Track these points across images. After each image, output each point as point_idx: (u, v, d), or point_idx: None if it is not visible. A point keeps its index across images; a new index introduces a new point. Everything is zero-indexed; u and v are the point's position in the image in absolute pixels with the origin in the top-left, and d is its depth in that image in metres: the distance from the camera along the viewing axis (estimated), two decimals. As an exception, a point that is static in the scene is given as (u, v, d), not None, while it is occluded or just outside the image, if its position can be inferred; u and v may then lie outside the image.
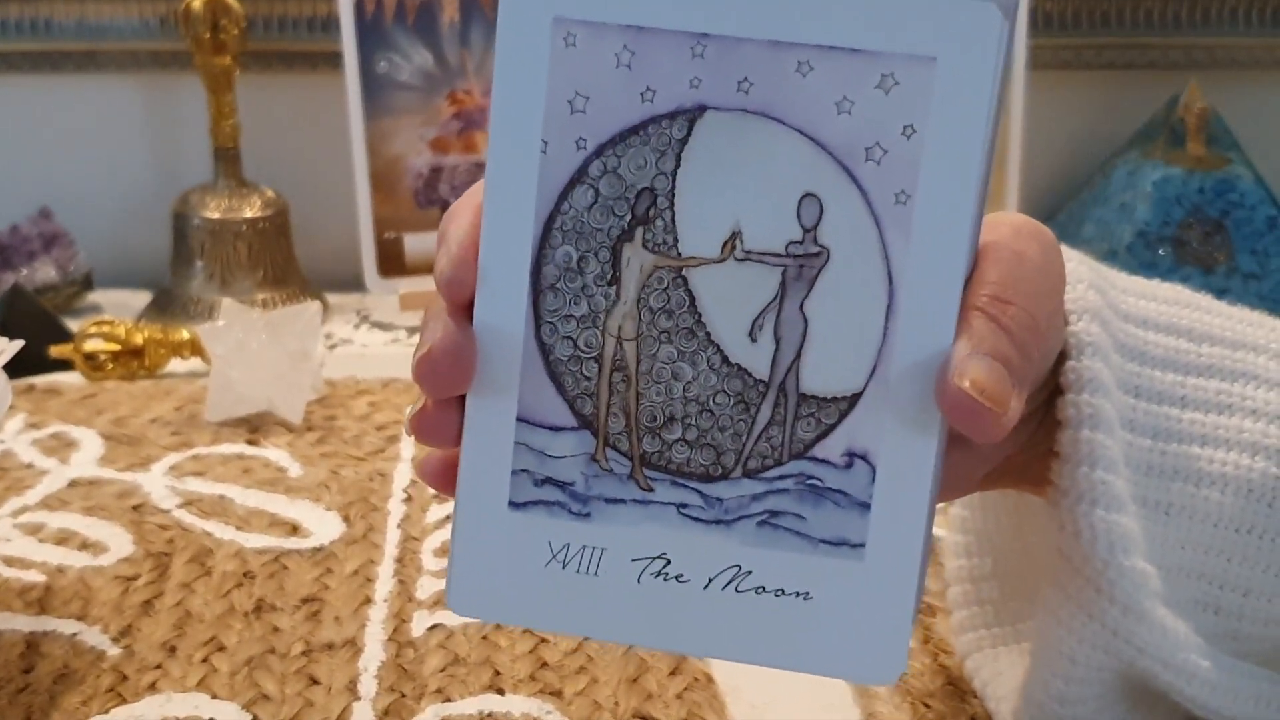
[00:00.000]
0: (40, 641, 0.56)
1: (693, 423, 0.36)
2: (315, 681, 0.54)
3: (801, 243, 0.35)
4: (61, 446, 0.75)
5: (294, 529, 0.66)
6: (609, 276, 0.35)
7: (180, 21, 0.98)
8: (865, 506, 0.35)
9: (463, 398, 0.37)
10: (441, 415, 0.37)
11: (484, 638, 0.57)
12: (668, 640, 0.37)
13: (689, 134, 0.34)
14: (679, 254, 0.35)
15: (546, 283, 0.35)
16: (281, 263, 1.03)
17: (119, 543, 0.65)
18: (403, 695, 0.53)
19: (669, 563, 0.36)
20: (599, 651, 0.56)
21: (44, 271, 1.03)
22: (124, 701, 0.53)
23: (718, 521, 0.36)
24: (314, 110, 1.09)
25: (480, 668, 0.55)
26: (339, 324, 1.03)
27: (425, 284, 0.87)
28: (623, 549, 0.36)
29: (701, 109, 0.34)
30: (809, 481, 0.35)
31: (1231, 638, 0.43)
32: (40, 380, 0.85)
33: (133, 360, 0.88)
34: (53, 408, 0.81)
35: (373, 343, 1.00)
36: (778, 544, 0.35)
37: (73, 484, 0.71)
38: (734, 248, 0.35)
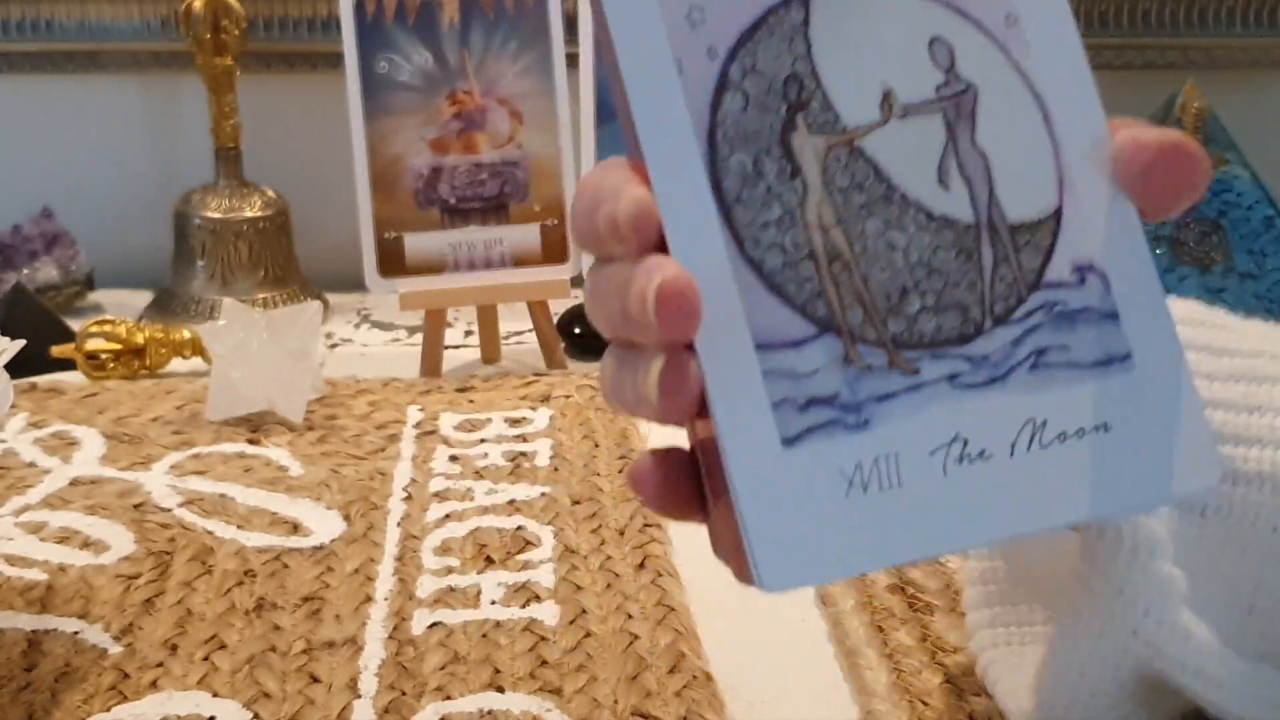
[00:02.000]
0: (42, 640, 0.56)
1: (926, 288, 0.35)
2: (316, 679, 0.54)
3: (947, 83, 0.35)
4: (63, 446, 0.75)
5: (295, 528, 0.66)
6: (789, 170, 0.34)
7: (181, 22, 0.98)
8: (1113, 315, 0.35)
9: (691, 350, 0.33)
10: (678, 372, 0.33)
11: (484, 636, 0.57)
12: (999, 528, 0.35)
13: (807, 14, 0.35)
14: (845, 128, 0.35)
15: (731, 197, 0.34)
16: (282, 262, 1.03)
17: (120, 541, 0.65)
18: (403, 693, 0.53)
19: (966, 443, 0.34)
20: (598, 650, 0.56)
21: (45, 271, 1.03)
22: (125, 700, 0.53)
23: (993, 380, 0.35)
24: (314, 110, 1.09)
25: (480, 666, 0.55)
26: (339, 323, 1.04)
27: (425, 284, 0.87)
28: (916, 445, 0.34)
29: None
30: (1055, 309, 0.35)
31: (1263, 636, 0.43)
32: (42, 380, 0.85)
33: (134, 360, 0.88)
34: (54, 407, 0.81)
35: (373, 342, 1.00)
36: (1056, 383, 0.35)
37: (74, 483, 0.71)
38: (891, 107, 0.35)
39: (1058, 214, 0.35)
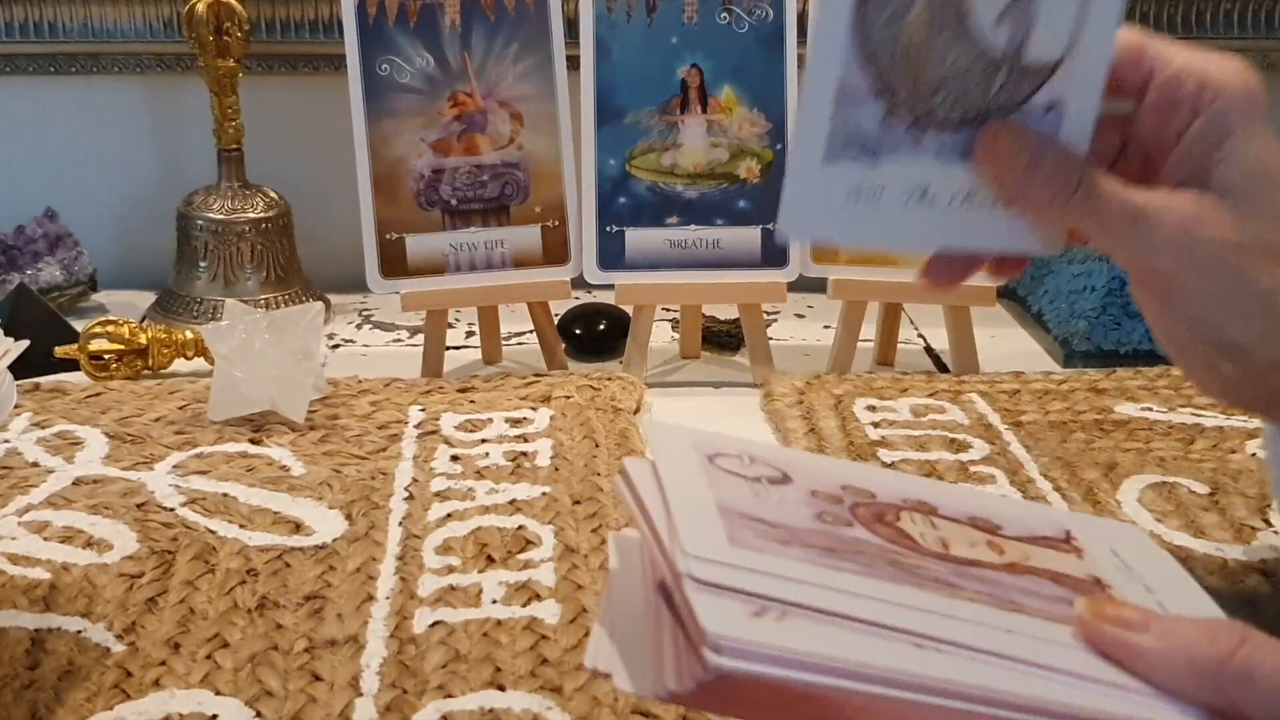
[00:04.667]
0: (45, 638, 0.57)
1: (953, 89, 0.49)
2: (318, 678, 0.55)
3: None
4: (66, 445, 0.76)
5: (297, 527, 0.67)
6: None
7: (184, 24, 0.99)
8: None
9: None
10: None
11: (485, 634, 0.57)
12: (917, 243, 0.53)
13: None
14: None
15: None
16: (284, 263, 1.03)
17: (123, 540, 0.65)
18: (404, 691, 0.54)
19: (925, 191, 0.51)
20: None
21: (49, 272, 1.03)
22: (128, 698, 0.53)
23: (962, 155, 0.50)
24: (317, 112, 1.09)
25: (481, 664, 0.55)
26: (341, 324, 1.04)
27: (426, 284, 0.87)
28: (897, 184, 0.50)
29: None
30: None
31: None
32: (45, 380, 0.85)
33: (137, 360, 0.88)
34: (58, 407, 0.81)
35: (375, 343, 1.01)
36: None
37: (77, 482, 0.71)
38: None
39: (1056, 64, 0.49)
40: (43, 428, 0.78)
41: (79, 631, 0.57)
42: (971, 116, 0.50)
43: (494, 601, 0.60)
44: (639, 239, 0.88)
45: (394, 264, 0.87)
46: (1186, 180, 0.50)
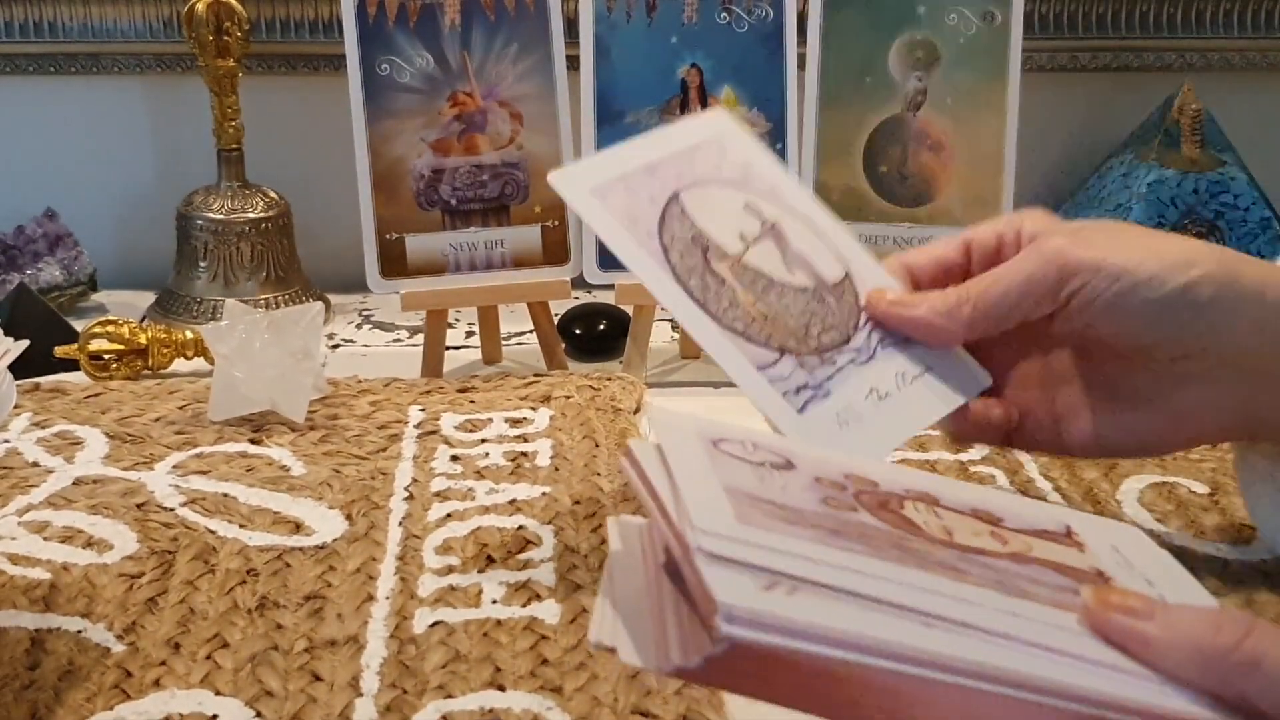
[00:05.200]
0: (45, 638, 0.57)
1: (816, 321, 0.59)
2: (318, 678, 0.55)
3: (763, 223, 0.61)
4: (66, 445, 0.76)
5: (297, 527, 0.67)
6: (719, 281, 0.58)
7: (184, 24, 0.99)
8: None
9: None
10: None
11: (484, 635, 0.57)
12: (907, 426, 0.59)
13: (682, 207, 0.60)
14: (731, 255, 0.59)
15: (700, 302, 0.57)
16: (284, 263, 1.03)
17: (123, 540, 0.65)
18: (404, 691, 0.54)
19: (874, 390, 0.58)
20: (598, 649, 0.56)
21: (49, 272, 1.03)
22: (128, 698, 0.53)
23: (870, 358, 0.59)
24: (316, 112, 1.09)
25: (481, 664, 0.55)
26: (341, 324, 1.04)
27: (426, 284, 0.88)
28: (856, 396, 0.57)
29: None
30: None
31: None
32: (45, 380, 0.85)
33: (137, 360, 0.88)
34: (58, 407, 0.81)
35: (374, 343, 1.01)
36: (898, 351, 0.60)
37: (77, 482, 0.71)
38: (745, 240, 0.60)
39: (846, 276, 0.61)
40: (43, 428, 0.78)
41: (79, 631, 0.57)
42: (845, 326, 0.59)
43: (494, 601, 0.60)
44: (639, 239, 0.88)
45: (394, 264, 0.87)
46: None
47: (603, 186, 0.58)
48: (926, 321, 0.59)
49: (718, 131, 0.62)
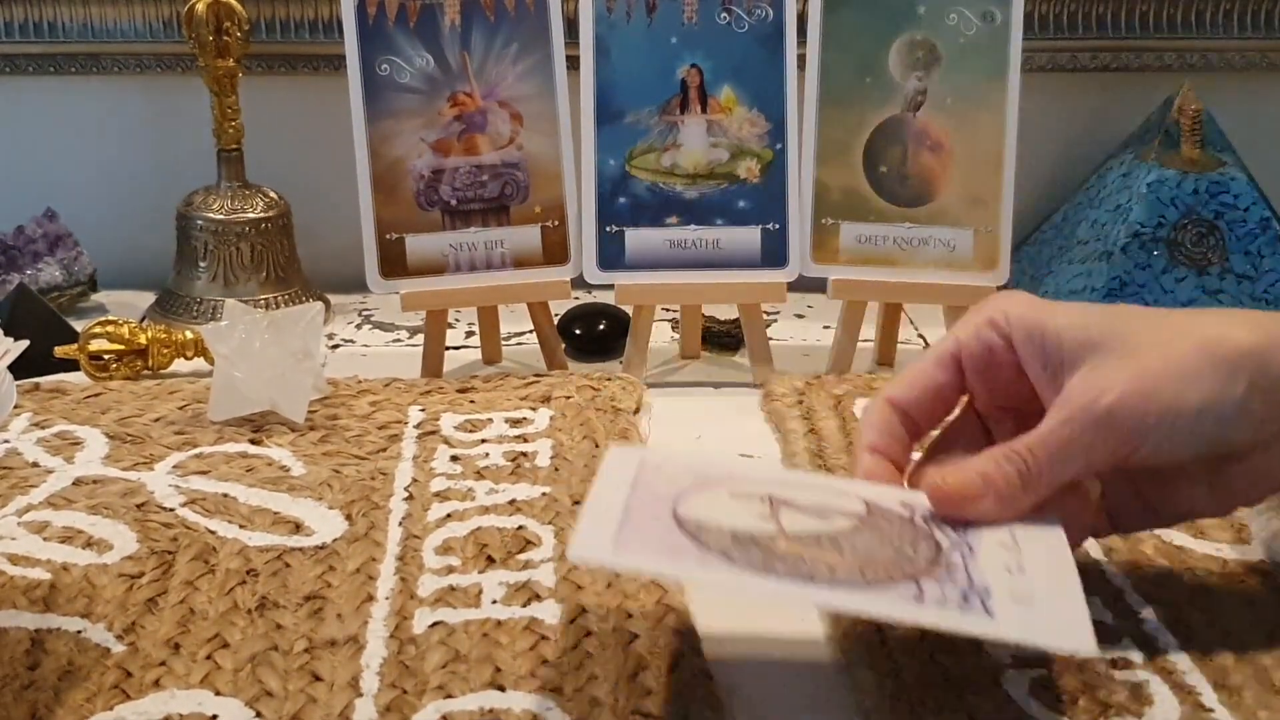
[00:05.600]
0: (45, 638, 0.57)
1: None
2: (318, 678, 0.55)
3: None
4: (66, 446, 0.76)
5: (297, 527, 0.67)
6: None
7: (184, 24, 0.99)
8: None
9: None
10: None
11: (484, 635, 0.57)
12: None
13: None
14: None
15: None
16: (284, 263, 1.03)
17: (123, 541, 0.65)
18: (404, 691, 0.54)
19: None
20: (598, 649, 0.56)
21: (49, 272, 1.03)
22: (128, 698, 0.53)
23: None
24: (316, 112, 1.09)
25: (481, 664, 0.55)
26: (341, 324, 1.04)
27: (426, 285, 0.88)
28: (993, 580, 0.52)
29: None
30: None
31: None
32: (45, 380, 0.85)
33: (137, 360, 0.88)
34: (58, 407, 0.81)
35: (374, 343, 1.01)
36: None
37: (77, 483, 0.71)
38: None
39: (861, 498, 0.56)
40: (43, 428, 0.78)
41: (79, 631, 0.57)
42: (920, 534, 0.54)
43: (494, 602, 0.60)
44: (639, 239, 0.88)
45: (394, 264, 0.87)
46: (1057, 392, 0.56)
47: (614, 542, 0.51)
48: (995, 514, 0.55)
49: (638, 459, 0.56)
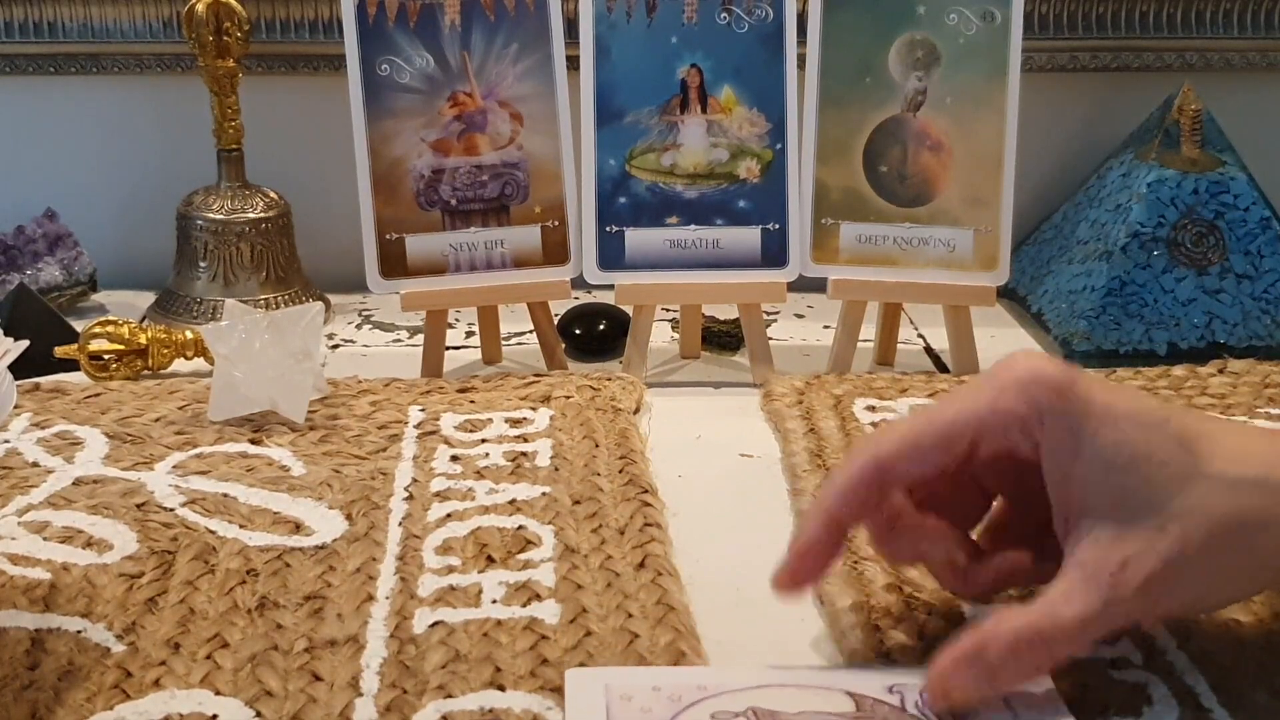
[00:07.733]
0: (45, 638, 0.57)
1: None
2: (318, 678, 0.55)
3: None
4: (66, 445, 0.76)
5: (297, 527, 0.67)
6: None
7: (184, 25, 0.99)
8: None
9: None
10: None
11: (484, 635, 0.57)
12: None
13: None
14: None
15: None
16: (284, 263, 1.03)
17: (123, 540, 0.65)
18: (404, 691, 0.54)
19: None
20: (598, 649, 0.56)
21: (49, 272, 1.03)
22: (128, 698, 0.53)
23: None
24: (316, 112, 1.09)
25: (481, 664, 0.55)
26: (341, 324, 1.04)
27: (426, 285, 0.88)
28: None
29: None
30: None
31: None
32: (45, 380, 0.85)
33: (137, 360, 0.88)
34: (58, 407, 0.81)
35: (374, 343, 1.01)
36: None
37: (77, 483, 0.71)
38: None
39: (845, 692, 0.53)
40: (43, 428, 0.78)
41: (79, 631, 0.57)
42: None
43: (494, 601, 0.60)
44: (639, 239, 0.88)
45: (394, 264, 0.87)
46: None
47: None
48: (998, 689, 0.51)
49: (602, 686, 0.53)
